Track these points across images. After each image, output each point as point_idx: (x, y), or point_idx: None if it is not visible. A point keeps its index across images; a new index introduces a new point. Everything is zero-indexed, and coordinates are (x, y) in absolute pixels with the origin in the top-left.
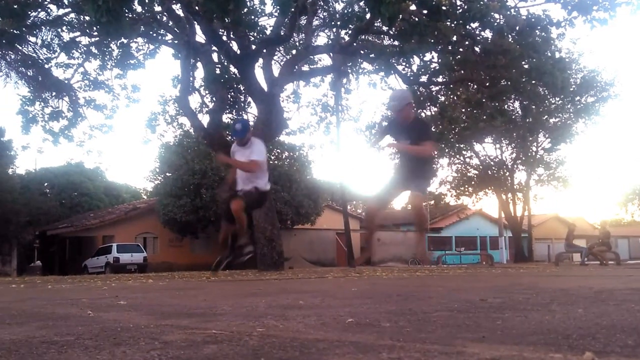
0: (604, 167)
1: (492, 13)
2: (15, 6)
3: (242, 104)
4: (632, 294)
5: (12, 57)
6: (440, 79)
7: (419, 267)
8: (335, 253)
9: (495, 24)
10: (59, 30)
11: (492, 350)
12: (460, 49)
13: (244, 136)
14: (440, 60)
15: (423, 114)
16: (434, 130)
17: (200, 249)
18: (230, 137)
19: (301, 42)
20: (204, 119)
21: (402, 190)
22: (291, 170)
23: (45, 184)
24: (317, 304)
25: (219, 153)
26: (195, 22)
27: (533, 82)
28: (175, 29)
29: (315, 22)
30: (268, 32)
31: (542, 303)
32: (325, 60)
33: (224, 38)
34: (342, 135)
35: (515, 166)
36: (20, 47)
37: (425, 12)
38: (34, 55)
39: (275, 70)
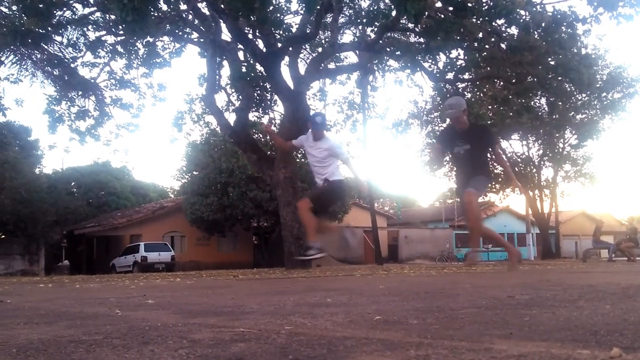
0: (631, 163)
1: (518, 9)
2: (41, 5)
3: (269, 102)
4: None
5: (38, 56)
6: (466, 76)
7: (446, 264)
8: (362, 251)
9: (521, 20)
10: (85, 29)
11: (519, 347)
12: (486, 46)
13: (324, 129)
14: (466, 57)
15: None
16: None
17: (228, 247)
18: (311, 128)
19: (327, 39)
20: (231, 117)
21: None
22: None
23: (72, 183)
24: (344, 301)
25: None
26: (221, 21)
27: (559, 78)
28: (201, 27)
29: (341, 20)
30: (294, 30)
31: (569, 299)
32: (351, 57)
33: (250, 36)
34: (368, 133)
35: (542, 163)
36: (46, 47)
37: (451, 9)
38: (59, 54)
39: (301, 68)
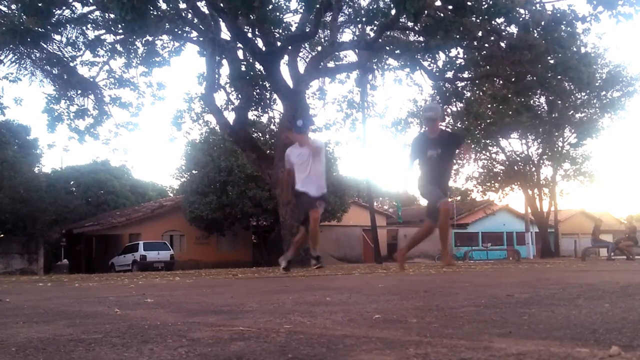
0: (631, 161)
1: (518, 8)
2: (40, 4)
3: (268, 101)
4: None
5: (37, 55)
6: (465, 75)
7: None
8: (361, 249)
9: (521, 19)
10: (84, 28)
11: (518, 345)
12: (486, 45)
13: (306, 131)
14: (465, 56)
15: (449, 110)
16: (459, 126)
17: (227, 246)
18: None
19: (326, 38)
20: (230, 116)
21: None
22: None
23: (72, 182)
24: (343, 300)
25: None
26: (220, 19)
27: (559, 77)
28: (200, 26)
29: (341, 19)
30: (293, 28)
31: (568, 298)
32: (350, 56)
33: (249, 35)
34: (368, 132)
35: (541, 161)
36: (45, 45)
37: (450, 7)
38: (59, 53)
39: (301, 67)
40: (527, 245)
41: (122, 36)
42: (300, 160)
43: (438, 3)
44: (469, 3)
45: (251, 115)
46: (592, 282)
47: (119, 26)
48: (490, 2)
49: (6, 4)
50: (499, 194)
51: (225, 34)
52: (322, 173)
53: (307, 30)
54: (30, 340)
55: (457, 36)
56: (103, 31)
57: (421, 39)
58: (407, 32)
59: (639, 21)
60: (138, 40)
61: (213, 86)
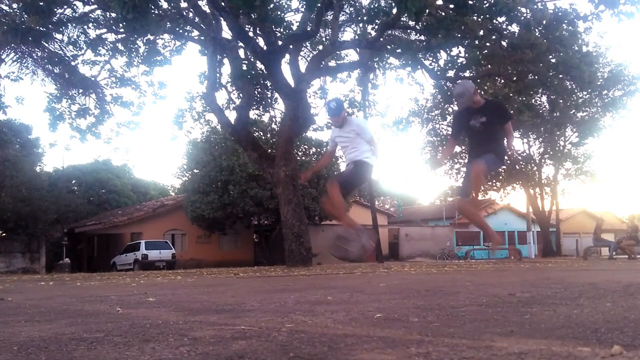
0: (632, 160)
1: (519, 7)
2: (42, 3)
3: (269, 100)
4: None
5: (39, 54)
6: (467, 74)
7: (447, 262)
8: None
9: (522, 18)
10: (85, 27)
11: (520, 345)
12: (487, 44)
13: (339, 114)
14: (467, 55)
15: (450, 109)
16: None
17: (228, 245)
18: (328, 117)
19: (327, 37)
20: (231, 115)
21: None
22: None
23: (73, 181)
24: (345, 299)
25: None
26: (221, 18)
27: (560, 76)
28: (202, 25)
29: (342, 18)
30: (294, 27)
31: (570, 297)
32: (351, 55)
33: (251, 34)
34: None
35: (542, 160)
36: (46, 45)
37: (451, 6)
38: (60, 52)
39: (302, 66)
40: (528, 245)
41: (124, 35)
42: (344, 142)
43: (439, 2)
44: (470, 2)
45: (252, 114)
46: (593, 281)
47: (120, 25)
48: (492, 1)
49: (8, 3)
50: (500, 193)
51: (227, 33)
52: (365, 151)
53: (309, 29)
54: (32, 339)
55: (459, 35)
56: (104, 30)
57: (422, 37)
58: (409, 31)
59: None
60: (139, 39)
61: (214, 85)
